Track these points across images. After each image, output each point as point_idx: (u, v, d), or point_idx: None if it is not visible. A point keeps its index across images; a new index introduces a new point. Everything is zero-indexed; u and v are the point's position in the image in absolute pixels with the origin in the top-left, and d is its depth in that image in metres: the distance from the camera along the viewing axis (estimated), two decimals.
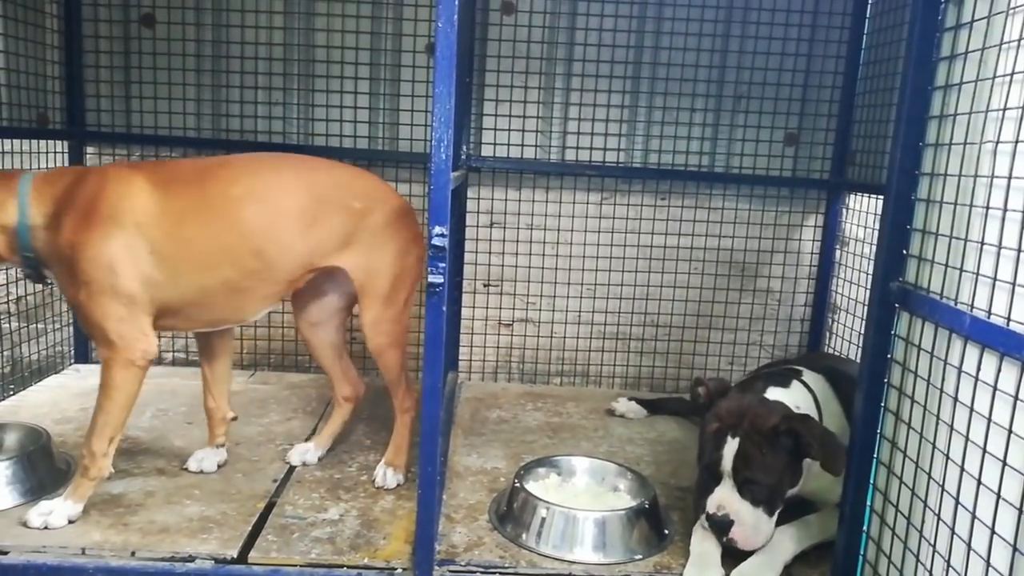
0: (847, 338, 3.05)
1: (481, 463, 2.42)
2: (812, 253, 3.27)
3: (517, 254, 3.23)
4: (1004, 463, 1.26)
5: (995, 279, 1.33)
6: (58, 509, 1.88)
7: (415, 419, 2.25)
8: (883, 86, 2.85)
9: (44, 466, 2.09)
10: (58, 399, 2.74)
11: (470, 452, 2.50)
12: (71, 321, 3.14)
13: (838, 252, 3.21)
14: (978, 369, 1.35)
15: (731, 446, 1.84)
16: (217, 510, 2.01)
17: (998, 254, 1.33)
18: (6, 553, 1.77)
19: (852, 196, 3.12)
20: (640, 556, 1.90)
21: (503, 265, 3.24)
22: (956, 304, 1.43)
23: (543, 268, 3.25)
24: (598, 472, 2.24)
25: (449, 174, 1.63)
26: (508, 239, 3.21)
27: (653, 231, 3.22)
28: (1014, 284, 1.28)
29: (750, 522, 1.81)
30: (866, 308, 1.75)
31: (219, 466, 2.24)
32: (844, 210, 3.17)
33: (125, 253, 1.84)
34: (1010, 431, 1.26)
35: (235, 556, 1.81)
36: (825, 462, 1.81)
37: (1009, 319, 1.28)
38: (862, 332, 2.62)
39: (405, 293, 2.19)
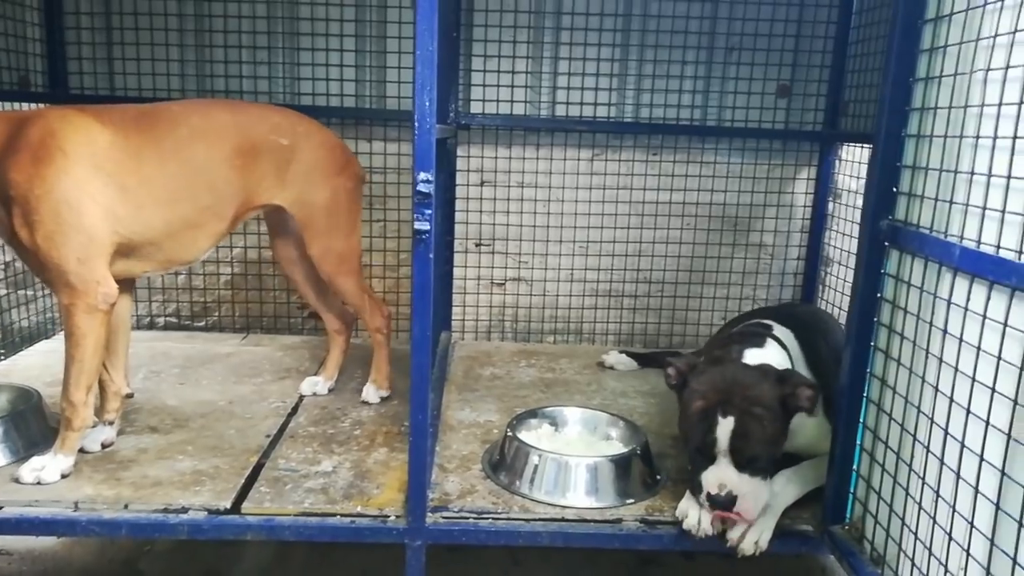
0: (840, 290, 3.05)
1: (474, 417, 2.43)
2: (805, 206, 3.25)
3: (508, 212, 3.21)
4: (993, 391, 1.26)
5: (984, 208, 1.32)
6: (50, 464, 1.88)
7: (388, 336, 2.47)
8: (876, 34, 2.81)
9: (36, 425, 2.08)
10: (49, 363, 2.72)
11: (463, 407, 2.51)
12: None
13: (831, 204, 3.19)
14: (968, 300, 1.34)
15: (725, 425, 1.70)
16: (210, 464, 2.01)
17: (988, 183, 1.32)
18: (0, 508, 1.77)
19: (845, 147, 3.10)
20: (632, 500, 1.91)
21: (494, 224, 3.22)
22: (946, 237, 1.42)
23: (535, 226, 3.23)
24: (590, 422, 2.24)
25: (433, 119, 1.61)
26: (499, 198, 3.19)
27: (645, 187, 3.19)
28: (1003, 212, 1.27)
29: (753, 494, 1.72)
30: (856, 249, 1.74)
31: (104, 446, 2.06)
32: (837, 161, 3.15)
33: (84, 189, 1.82)
34: (999, 359, 1.25)
35: (228, 507, 1.81)
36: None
37: (999, 247, 1.27)
38: None
39: (345, 223, 2.29)
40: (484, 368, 2.91)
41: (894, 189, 1.62)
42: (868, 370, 1.70)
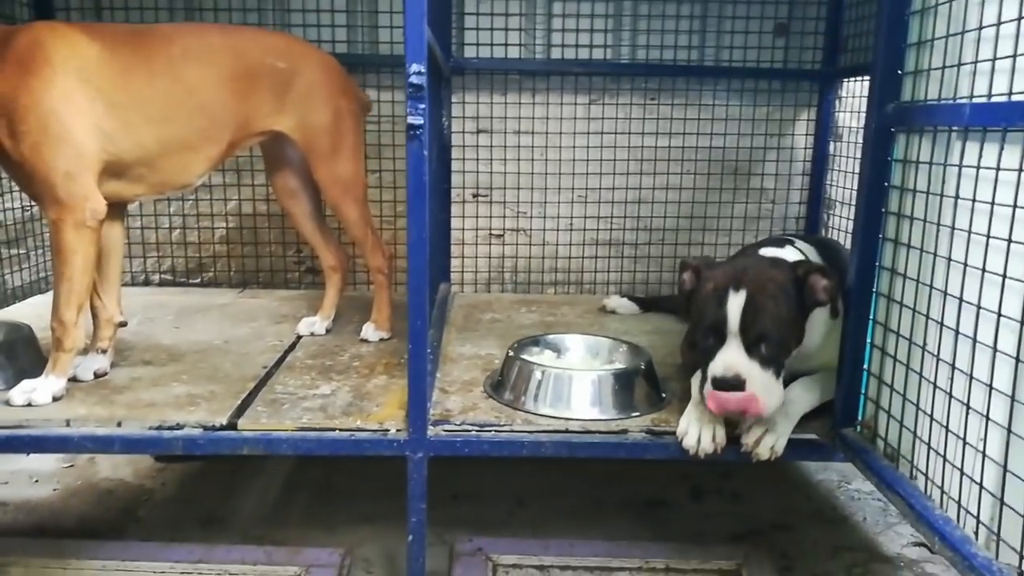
0: (845, 230, 3.00)
1: (475, 351, 2.38)
2: (806, 148, 3.21)
3: (505, 160, 3.17)
4: (1009, 242, 1.22)
5: (994, 59, 1.27)
6: (41, 386, 1.84)
7: (390, 277, 2.44)
8: None
9: (26, 355, 2.04)
10: (41, 312, 2.63)
11: (464, 343, 2.46)
12: None
13: (832, 145, 3.15)
14: (979, 158, 1.30)
15: (736, 300, 1.65)
16: (205, 389, 1.97)
17: (997, 35, 1.28)
18: None
19: (845, 84, 3.05)
20: (637, 414, 1.87)
21: (491, 172, 3.18)
22: (955, 102, 1.38)
23: (532, 174, 3.19)
24: (592, 347, 2.20)
25: (423, 8, 1.57)
26: (496, 145, 3.15)
27: (643, 131, 3.15)
28: (1015, 58, 1.23)
29: (761, 382, 1.64)
30: (862, 142, 1.70)
31: (96, 375, 2.02)
32: (837, 101, 3.10)
33: (71, 100, 1.78)
34: (1015, 209, 1.21)
35: (224, 423, 1.77)
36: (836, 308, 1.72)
37: (1011, 94, 1.23)
38: None
39: (349, 145, 2.26)
40: (484, 314, 2.87)
41: (899, 71, 1.58)
42: (877, 263, 1.65)
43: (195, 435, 1.73)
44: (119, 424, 1.75)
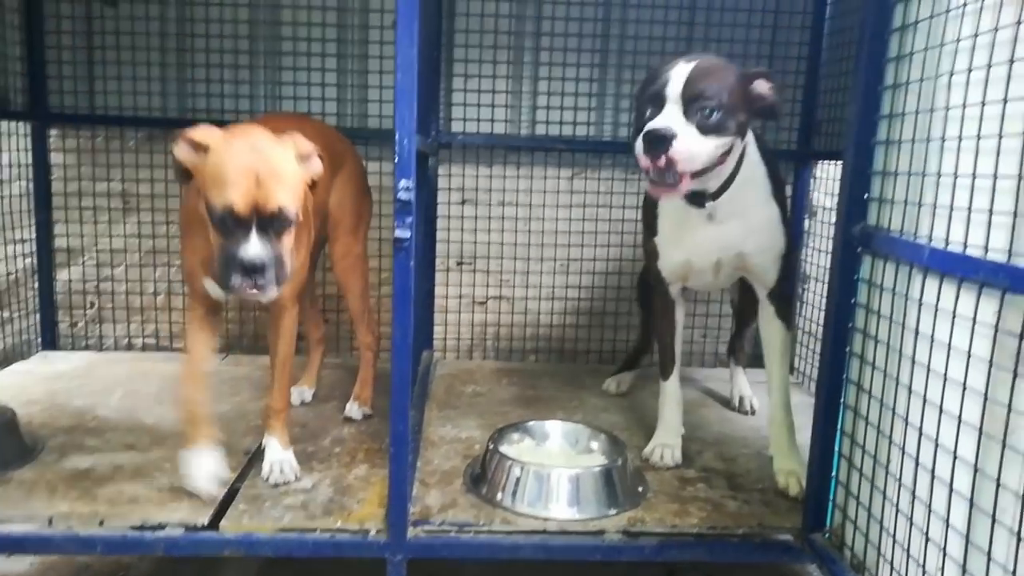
0: (819, 306, 3.08)
1: (456, 433, 2.41)
2: None
3: (490, 231, 3.23)
4: (964, 386, 1.28)
5: (951, 207, 1.35)
6: (288, 459, 2.04)
7: (376, 354, 2.58)
8: (848, 55, 2.88)
9: (8, 441, 2.04)
10: (25, 383, 2.69)
11: (444, 423, 2.49)
12: (37, 308, 3.09)
13: (807, 221, 3.23)
14: (938, 298, 1.36)
15: (682, 69, 1.73)
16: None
17: (953, 184, 1.35)
18: None
19: (819, 165, 3.15)
20: (614, 512, 1.91)
21: (476, 242, 3.24)
22: (916, 239, 1.45)
23: (516, 244, 3.25)
24: (571, 435, 2.24)
25: (413, 126, 1.62)
26: (480, 216, 3.21)
27: (624, 204, 3.22)
28: (969, 211, 1.30)
29: (695, 140, 1.70)
30: (830, 255, 1.77)
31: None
32: (812, 180, 3.20)
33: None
34: (969, 354, 1.27)
35: (206, 523, 1.78)
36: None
37: (966, 245, 1.30)
38: None
39: (364, 227, 2.52)
40: (466, 385, 2.90)
41: (865, 196, 1.65)
42: (845, 375, 1.71)
43: (177, 536, 1.74)
44: (101, 523, 1.76)
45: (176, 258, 3.14)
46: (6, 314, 2.97)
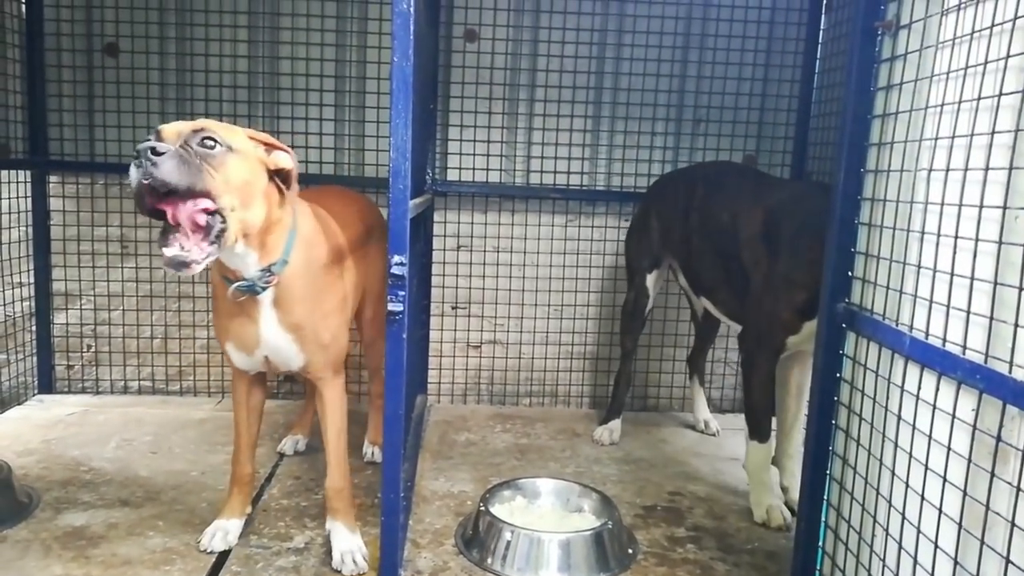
0: None
1: (448, 487, 2.43)
2: None
3: (484, 276, 3.26)
4: (944, 479, 1.31)
5: (931, 301, 1.38)
6: (359, 547, 1.95)
7: None
8: (836, 109, 2.93)
9: (3, 499, 2.06)
10: (21, 431, 2.70)
11: (437, 476, 2.52)
12: (35, 351, 3.11)
13: None
14: (919, 388, 1.40)
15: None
16: (180, 541, 2.00)
17: (933, 277, 1.38)
18: None
19: None
20: (605, 575, 1.93)
21: (470, 288, 3.27)
22: (897, 325, 1.48)
23: (510, 290, 3.28)
24: (563, 493, 2.26)
25: (407, 204, 1.66)
26: (475, 262, 3.25)
27: (617, 252, 3.26)
28: (948, 306, 1.33)
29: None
30: (816, 328, 1.80)
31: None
32: None
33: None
34: (948, 448, 1.30)
35: None
36: None
37: (945, 340, 1.33)
38: None
39: (386, 289, 2.53)
40: (459, 433, 2.93)
41: (849, 273, 1.69)
42: (830, 448, 1.74)
43: None
44: None
45: (172, 302, 3.17)
46: (3, 357, 2.99)
